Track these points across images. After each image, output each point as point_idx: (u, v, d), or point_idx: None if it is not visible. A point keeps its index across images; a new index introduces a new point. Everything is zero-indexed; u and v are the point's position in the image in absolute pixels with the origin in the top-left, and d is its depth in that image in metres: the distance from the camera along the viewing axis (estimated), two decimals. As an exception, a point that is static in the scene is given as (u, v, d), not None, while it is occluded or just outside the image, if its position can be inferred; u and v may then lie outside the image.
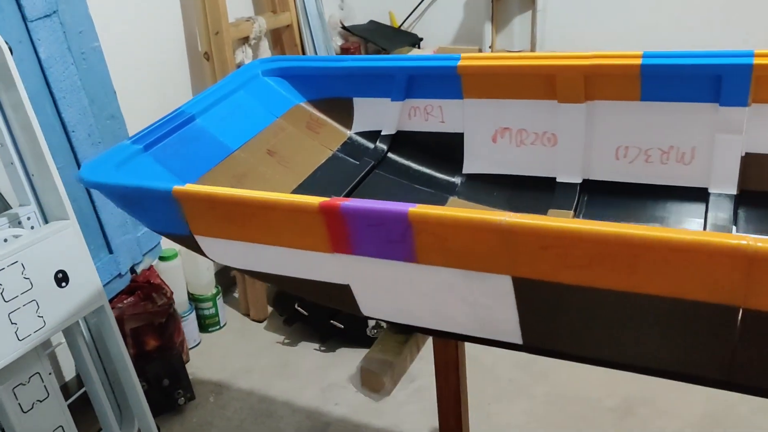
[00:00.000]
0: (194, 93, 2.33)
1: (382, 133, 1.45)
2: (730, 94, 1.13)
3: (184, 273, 2.24)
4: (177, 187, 0.98)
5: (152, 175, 1.14)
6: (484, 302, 0.88)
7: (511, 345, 0.95)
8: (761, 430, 1.80)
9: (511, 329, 0.90)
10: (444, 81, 1.35)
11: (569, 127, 1.28)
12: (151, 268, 2.04)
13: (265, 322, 2.41)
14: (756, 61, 1.09)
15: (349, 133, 1.47)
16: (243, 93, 1.43)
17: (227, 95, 1.39)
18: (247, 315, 2.44)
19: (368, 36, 2.82)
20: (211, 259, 1.10)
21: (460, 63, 1.31)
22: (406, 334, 1.08)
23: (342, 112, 1.48)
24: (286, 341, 2.30)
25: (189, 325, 2.24)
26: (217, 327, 2.38)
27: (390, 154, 1.44)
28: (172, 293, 1.98)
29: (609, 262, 0.74)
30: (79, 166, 1.74)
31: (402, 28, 2.95)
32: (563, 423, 1.87)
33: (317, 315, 2.18)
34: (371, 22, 2.97)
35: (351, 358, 2.18)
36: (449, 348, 1.28)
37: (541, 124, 1.31)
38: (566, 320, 0.85)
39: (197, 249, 1.08)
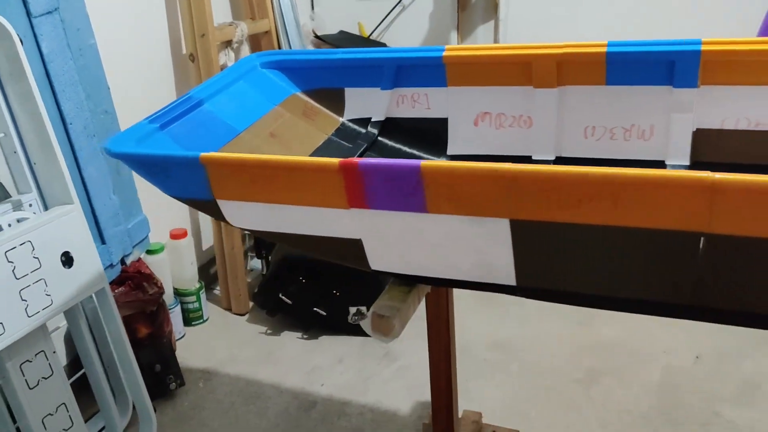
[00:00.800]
0: (178, 93, 2.41)
1: (372, 120, 1.57)
2: (682, 77, 1.30)
3: (170, 267, 2.30)
4: (204, 154, 1.08)
5: (170, 150, 1.23)
6: (484, 246, 1.00)
7: (506, 288, 1.07)
8: (712, 393, 1.97)
9: (506, 271, 1.02)
10: (430, 70, 1.48)
11: (543, 110, 1.42)
12: (140, 259, 2.10)
13: (246, 316, 2.48)
14: (703, 47, 1.26)
15: (341, 119, 1.59)
16: (243, 83, 1.53)
17: (229, 84, 1.50)
18: (229, 309, 2.51)
19: (340, 44, 2.95)
20: (230, 224, 1.19)
21: (445, 53, 1.45)
22: (409, 285, 1.19)
23: (334, 100, 1.60)
24: (269, 332, 2.38)
25: (174, 318, 2.29)
26: (201, 321, 2.44)
27: (380, 138, 1.56)
28: (162, 283, 2.05)
29: (595, 200, 0.88)
30: (75, 156, 1.81)
31: (371, 38, 3.09)
32: (536, 395, 2.01)
33: (301, 303, 2.27)
34: (341, 32, 3.10)
35: (334, 344, 2.28)
36: (441, 302, 1.41)
37: (518, 108, 1.45)
38: (555, 257, 0.98)
39: (218, 214, 1.17)
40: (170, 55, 2.34)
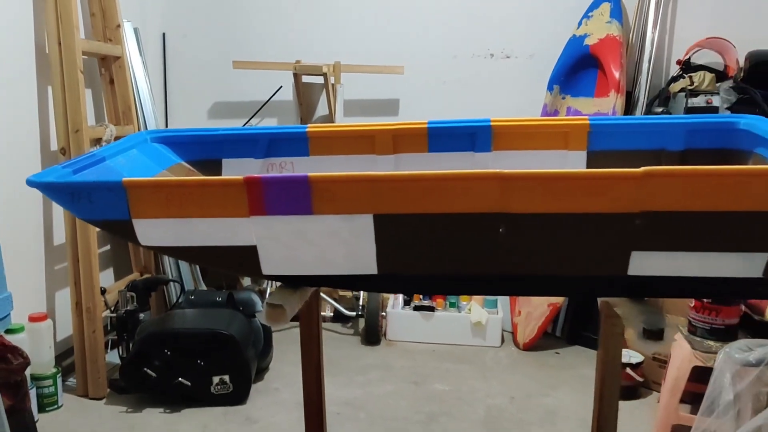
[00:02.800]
0: (44, 186, 2.51)
1: (247, 184, 1.87)
2: (480, 144, 1.78)
3: (29, 349, 2.27)
4: (126, 179, 1.31)
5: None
6: (353, 239, 1.31)
7: (369, 281, 1.38)
8: (524, 421, 2.34)
9: (370, 261, 1.34)
10: (296, 143, 1.83)
11: (384, 171, 1.82)
12: (0, 336, 2.09)
13: (104, 399, 2.47)
14: (492, 124, 1.76)
15: (220, 183, 1.86)
16: (135, 151, 1.77)
17: (123, 150, 1.72)
18: (85, 396, 2.48)
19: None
20: (140, 243, 1.38)
21: (309, 129, 1.81)
22: (294, 287, 1.45)
23: (213, 169, 1.87)
24: (129, 410, 2.38)
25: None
26: (55, 407, 2.38)
27: (254, 198, 1.85)
28: (27, 354, 2.04)
29: (428, 194, 1.25)
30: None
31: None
32: (384, 430, 2.24)
33: (166, 375, 2.34)
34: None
35: (196, 414, 2.35)
36: (312, 325, 1.66)
37: (366, 170, 1.83)
38: (405, 244, 1.31)
39: (129, 234, 1.37)
40: (39, 150, 2.47)
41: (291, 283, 1.45)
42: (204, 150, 1.87)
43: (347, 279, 1.40)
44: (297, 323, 3.22)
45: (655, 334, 1.25)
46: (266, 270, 1.39)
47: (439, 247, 1.31)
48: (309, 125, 1.84)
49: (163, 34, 3.44)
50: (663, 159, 1.74)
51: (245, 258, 1.36)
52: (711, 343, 2.25)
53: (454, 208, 1.26)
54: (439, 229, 1.29)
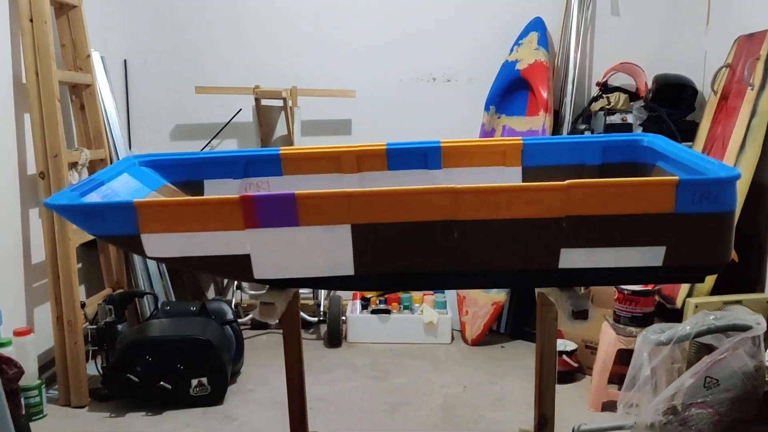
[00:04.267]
0: (23, 209, 2.63)
1: (227, 202, 2.07)
2: (432, 162, 2.04)
3: (15, 361, 2.39)
4: (137, 200, 1.51)
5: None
6: (334, 246, 1.54)
7: (347, 281, 1.61)
8: (477, 406, 2.61)
9: (348, 263, 1.57)
10: (270, 164, 2.05)
11: (350, 188, 2.06)
12: (-8, 349, 2.21)
13: (86, 407, 2.60)
14: (442, 144, 2.03)
15: (204, 202, 2.06)
16: (127, 175, 1.95)
17: (116, 174, 1.90)
18: (68, 405, 2.60)
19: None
20: (147, 255, 1.58)
21: (281, 152, 2.04)
22: (281, 289, 1.66)
23: (196, 189, 2.07)
24: (113, 415, 2.53)
25: (17, 411, 2.35)
26: (41, 416, 2.50)
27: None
28: (21, 365, 2.18)
29: (395, 206, 1.50)
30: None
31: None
32: (353, 422, 2.47)
33: (147, 380, 2.50)
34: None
35: (178, 415, 2.51)
36: (293, 321, 1.88)
37: (333, 188, 2.06)
38: (376, 248, 1.55)
39: (137, 247, 1.56)
40: (17, 174, 2.60)
41: (278, 285, 1.66)
42: (187, 172, 2.06)
43: (327, 280, 1.63)
44: (263, 331, 3.42)
45: (580, 314, 1.54)
46: (257, 275, 1.61)
47: (405, 249, 1.56)
48: (282, 148, 2.06)
49: (125, 61, 3.59)
50: (585, 172, 2.05)
51: (239, 265, 1.58)
52: (632, 328, 2.58)
53: (416, 217, 1.51)
54: (405, 235, 1.54)
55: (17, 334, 2.44)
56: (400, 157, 2.06)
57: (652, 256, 1.55)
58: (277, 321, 1.63)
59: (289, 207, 1.51)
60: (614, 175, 2.01)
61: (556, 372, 2.78)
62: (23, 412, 2.22)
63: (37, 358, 2.58)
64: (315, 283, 1.66)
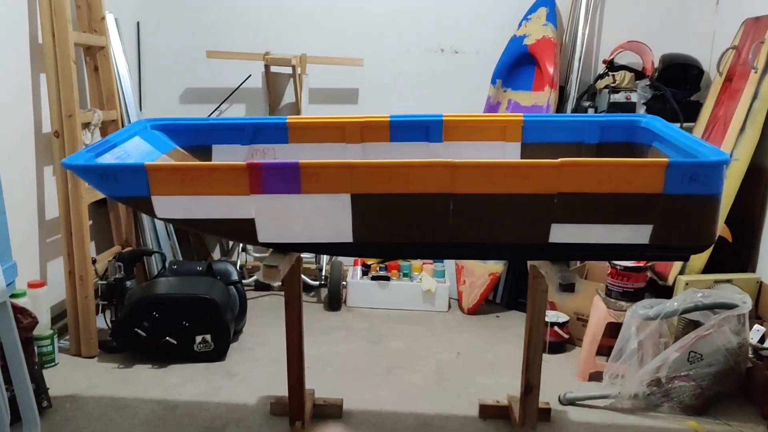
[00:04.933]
0: (38, 165, 2.71)
1: (234, 167, 2.14)
2: (433, 136, 2.10)
3: (28, 312, 2.49)
4: (148, 162, 1.57)
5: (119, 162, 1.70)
6: (334, 213, 1.61)
7: (346, 247, 1.68)
8: (469, 371, 2.71)
9: (347, 231, 1.64)
10: (277, 131, 2.11)
11: (353, 158, 2.12)
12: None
13: (96, 357, 2.71)
14: (444, 118, 2.08)
15: (212, 166, 2.13)
16: (138, 138, 2.02)
17: (129, 137, 1.97)
18: (78, 355, 2.71)
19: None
20: (157, 216, 1.65)
21: (288, 120, 2.10)
22: (284, 253, 1.74)
23: (204, 153, 2.13)
24: (121, 366, 2.63)
25: (30, 359, 2.46)
26: (53, 364, 2.61)
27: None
28: (35, 314, 2.27)
29: (394, 178, 1.56)
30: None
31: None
32: (349, 383, 2.56)
33: (154, 334, 2.60)
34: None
35: (182, 369, 2.62)
36: (295, 283, 1.96)
37: (336, 157, 2.13)
38: (374, 217, 1.62)
39: (148, 208, 1.63)
40: (33, 133, 2.67)
41: (281, 249, 1.74)
42: (197, 137, 2.13)
43: (327, 246, 1.70)
44: (266, 293, 3.51)
45: (568, 287, 1.61)
46: (261, 238, 1.69)
47: (402, 219, 1.63)
48: (288, 117, 2.12)
49: (138, 23, 3.62)
50: (582, 150, 2.11)
51: (244, 228, 1.65)
52: (623, 303, 2.65)
53: (414, 188, 1.58)
54: (402, 206, 1.60)
55: (31, 286, 2.53)
56: (403, 130, 2.11)
57: (639, 233, 1.61)
58: (280, 283, 1.71)
59: (293, 175, 1.57)
60: (611, 153, 2.06)
61: (544, 342, 2.88)
62: (36, 359, 2.33)
63: (50, 309, 2.69)
64: (316, 248, 1.73)
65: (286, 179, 1.58)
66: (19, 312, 2.23)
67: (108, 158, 1.75)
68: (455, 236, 1.65)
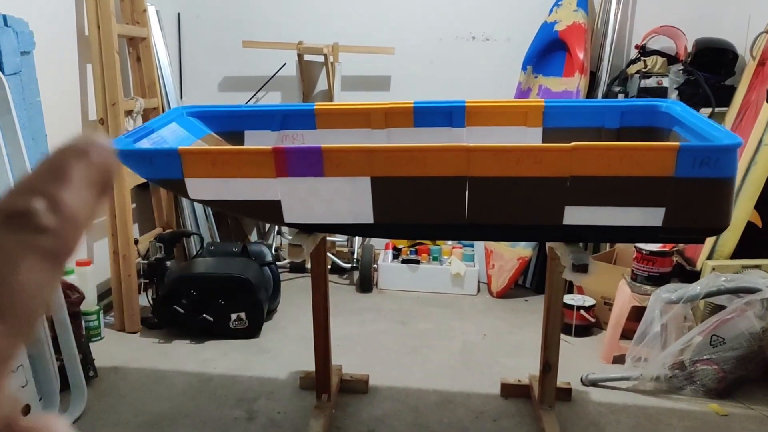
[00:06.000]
0: (84, 151, 2.87)
1: (265, 152, 2.24)
2: (456, 121, 2.15)
3: (77, 288, 2.66)
4: (181, 147, 1.68)
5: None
6: (355, 196, 1.69)
7: (367, 228, 1.76)
8: (494, 352, 2.77)
9: (368, 212, 1.72)
10: (305, 118, 2.20)
11: (378, 143, 2.19)
12: (57, 277, 2.47)
13: (138, 333, 2.87)
14: (467, 104, 2.13)
15: (244, 151, 2.23)
16: (175, 124, 2.13)
17: (166, 123, 2.08)
18: (122, 330, 2.88)
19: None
20: (190, 197, 1.76)
21: (316, 107, 2.18)
22: (308, 233, 1.83)
23: (237, 139, 2.24)
24: (161, 341, 2.79)
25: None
26: (99, 338, 2.78)
27: (272, 163, 2.22)
28: (82, 290, 2.43)
29: (412, 161, 1.63)
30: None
31: (231, 122, 3.76)
32: (376, 360, 2.66)
33: (192, 311, 2.74)
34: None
35: (218, 345, 2.75)
36: (320, 263, 2.06)
37: (362, 142, 2.20)
38: (394, 198, 1.69)
39: (181, 189, 1.74)
40: (80, 120, 2.83)
41: (306, 230, 1.83)
42: (230, 123, 2.23)
43: (349, 227, 1.79)
44: (301, 275, 3.62)
45: (581, 267, 1.66)
46: (288, 219, 1.77)
47: (420, 202, 1.70)
48: (316, 104, 2.20)
49: (178, 14, 3.76)
50: (603, 135, 2.13)
51: (271, 209, 1.74)
52: (648, 287, 2.67)
53: (431, 172, 1.64)
54: (420, 188, 1.67)
55: (79, 264, 2.70)
56: (426, 115, 2.17)
57: (652, 216, 1.64)
58: (306, 262, 1.79)
59: (316, 159, 1.66)
60: (631, 138, 2.08)
61: (570, 325, 2.91)
62: (84, 333, 2.49)
63: (96, 287, 2.85)
64: (339, 229, 1.82)
65: (309, 163, 1.66)
66: (68, 288, 2.39)
67: (145, 143, 1.86)
68: (472, 218, 1.70)
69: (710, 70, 3.21)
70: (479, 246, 3.61)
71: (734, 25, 3.31)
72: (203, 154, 1.69)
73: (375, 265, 3.55)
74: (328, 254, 3.69)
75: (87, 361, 2.37)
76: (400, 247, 3.61)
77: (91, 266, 2.74)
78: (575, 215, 1.66)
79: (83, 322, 2.61)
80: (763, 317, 2.34)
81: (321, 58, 3.43)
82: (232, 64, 3.79)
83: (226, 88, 3.84)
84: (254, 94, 3.73)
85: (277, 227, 3.73)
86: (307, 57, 3.49)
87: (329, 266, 3.75)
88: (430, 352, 2.76)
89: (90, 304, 2.74)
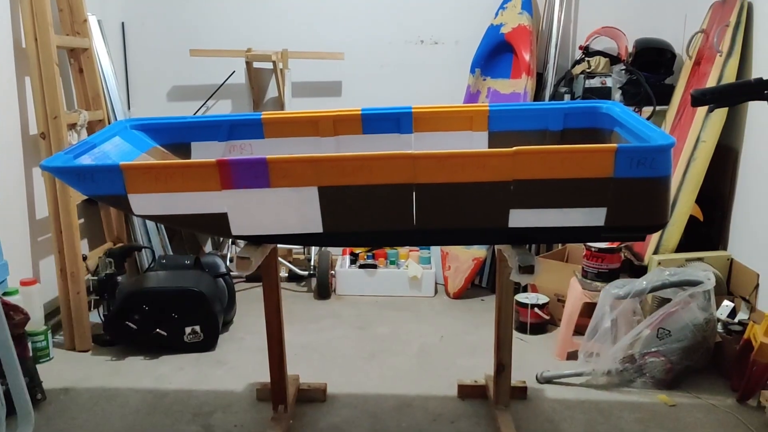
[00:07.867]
0: (26, 166, 2.79)
1: (213, 163, 2.21)
2: (404, 127, 2.17)
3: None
4: (123, 162, 1.65)
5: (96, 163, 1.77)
6: (303, 206, 1.69)
7: (317, 238, 1.76)
8: (451, 353, 2.79)
9: (317, 222, 1.72)
10: (253, 127, 2.18)
11: (327, 151, 2.19)
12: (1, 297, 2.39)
13: (89, 351, 2.80)
14: (413, 110, 2.15)
15: (191, 163, 2.20)
16: (118, 138, 2.09)
17: (109, 137, 2.04)
18: (72, 349, 2.80)
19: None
20: (134, 213, 1.73)
21: (263, 116, 2.17)
22: (257, 245, 1.82)
23: (184, 151, 2.20)
24: (114, 359, 2.72)
25: (25, 354, 2.54)
26: (48, 358, 2.70)
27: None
28: (27, 311, 2.36)
29: (359, 170, 1.63)
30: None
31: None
32: (334, 368, 2.65)
33: (145, 327, 2.68)
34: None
35: (173, 359, 2.70)
36: (272, 275, 2.04)
37: (311, 151, 2.20)
38: (342, 208, 1.70)
39: (125, 205, 1.71)
40: (20, 134, 2.74)
41: (254, 241, 1.82)
42: (175, 135, 2.20)
43: (299, 237, 1.78)
44: (257, 284, 3.58)
45: (527, 269, 1.69)
46: (235, 231, 1.76)
47: (368, 209, 1.71)
48: (263, 113, 2.19)
49: (122, 23, 3.68)
50: (547, 137, 2.17)
51: (218, 222, 1.73)
52: (598, 283, 2.73)
53: (378, 180, 1.65)
54: (368, 196, 1.68)
55: (23, 284, 2.62)
56: (374, 122, 2.18)
57: (594, 216, 1.68)
58: (251, 273, 1.78)
59: (262, 170, 1.65)
60: (575, 139, 2.13)
61: (525, 323, 2.96)
62: (30, 354, 2.41)
63: (43, 306, 2.77)
64: (288, 239, 1.81)
65: (255, 174, 1.65)
66: (11, 309, 2.31)
67: (86, 159, 1.82)
68: (420, 224, 1.72)
69: (650, 69, 3.30)
70: (435, 248, 3.64)
71: (671, 26, 3.42)
72: (146, 169, 1.66)
73: (332, 272, 3.54)
74: (285, 262, 3.67)
75: (34, 384, 2.30)
76: (357, 252, 3.62)
77: (37, 285, 2.66)
78: (520, 218, 1.69)
79: (29, 344, 2.53)
80: (705, 309, 2.42)
81: (270, 65, 3.41)
82: (180, 73, 3.74)
83: (175, 98, 3.78)
84: (204, 103, 3.69)
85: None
86: (256, 64, 3.47)
87: (286, 274, 3.74)
88: (389, 357, 2.77)
89: (37, 324, 2.66)
